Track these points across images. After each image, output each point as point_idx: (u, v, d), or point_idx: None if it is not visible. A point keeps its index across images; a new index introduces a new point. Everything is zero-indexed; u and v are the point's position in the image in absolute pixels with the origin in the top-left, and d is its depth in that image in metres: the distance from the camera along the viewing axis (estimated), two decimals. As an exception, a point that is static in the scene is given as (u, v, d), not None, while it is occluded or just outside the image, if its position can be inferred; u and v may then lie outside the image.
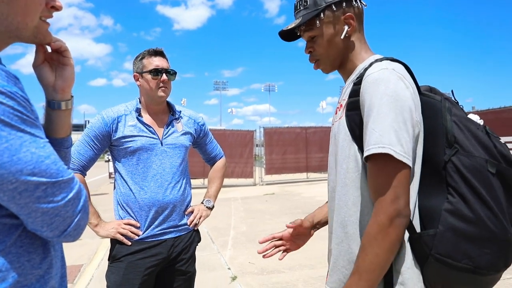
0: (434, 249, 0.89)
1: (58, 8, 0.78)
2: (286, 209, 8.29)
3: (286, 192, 11.41)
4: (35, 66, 0.84)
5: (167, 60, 1.86)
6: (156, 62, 1.80)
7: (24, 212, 0.65)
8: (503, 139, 1.02)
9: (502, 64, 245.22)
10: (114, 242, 1.75)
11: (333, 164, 1.10)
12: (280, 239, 1.40)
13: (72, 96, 0.88)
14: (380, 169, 0.91)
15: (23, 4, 0.70)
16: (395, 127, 0.89)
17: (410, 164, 0.90)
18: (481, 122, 1.02)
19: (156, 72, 1.78)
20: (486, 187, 0.90)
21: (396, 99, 0.91)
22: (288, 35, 1.20)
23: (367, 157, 0.92)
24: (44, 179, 0.64)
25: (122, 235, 1.72)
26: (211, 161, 2.18)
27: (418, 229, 0.94)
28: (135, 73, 1.84)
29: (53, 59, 0.86)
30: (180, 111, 1.94)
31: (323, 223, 1.37)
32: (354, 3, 1.09)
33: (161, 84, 1.79)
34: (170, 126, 1.86)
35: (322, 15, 1.08)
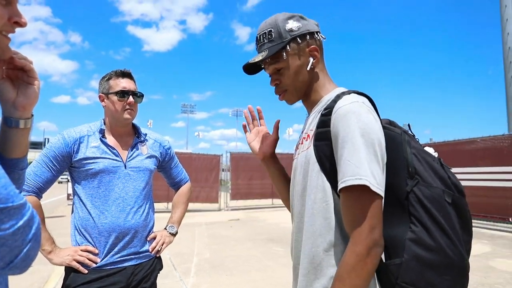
0: (400, 278, 0.91)
1: (22, 25, 0.75)
2: (251, 235, 8.21)
3: (251, 218, 11.32)
4: None
5: (134, 82, 1.83)
6: (123, 83, 1.77)
7: None
8: (457, 170, 1.09)
9: (459, 97, 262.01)
10: (69, 270, 1.65)
11: (298, 194, 1.11)
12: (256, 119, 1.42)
13: (32, 115, 0.84)
14: (355, 200, 0.92)
15: None
16: (368, 160, 0.92)
17: (383, 195, 0.93)
18: (435, 154, 1.08)
19: (123, 94, 1.75)
20: (444, 216, 0.95)
21: (367, 131, 0.95)
22: (251, 68, 1.22)
23: (341, 188, 0.94)
24: None
25: (79, 262, 1.62)
26: (176, 185, 2.14)
27: (383, 259, 0.96)
28: (101, 94, 1.80)
29: (16, 76, 0.81)
30: (146, 134, 1.91)
31: (274, 169, 1.41)
32: (316, 35, 1.14)
33: (127, 106, 1.76)
34: (134, 149, 1.82)
35: (288, 47, 1.11)
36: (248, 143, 1.40)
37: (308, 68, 1.12)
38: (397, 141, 1.02)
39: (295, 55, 1.12)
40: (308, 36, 1.12)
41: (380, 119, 1.06)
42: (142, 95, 1.84)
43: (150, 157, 1.87)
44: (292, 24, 1.11)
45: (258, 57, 1.13)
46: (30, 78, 0.82)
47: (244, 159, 14.17)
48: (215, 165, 13.84)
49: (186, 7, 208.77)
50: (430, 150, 1.09)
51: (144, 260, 1.77)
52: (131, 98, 1.76)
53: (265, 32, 1.13)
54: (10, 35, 0.75)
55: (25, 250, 0.65)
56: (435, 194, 0.96)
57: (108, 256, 1.67)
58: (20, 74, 0.82)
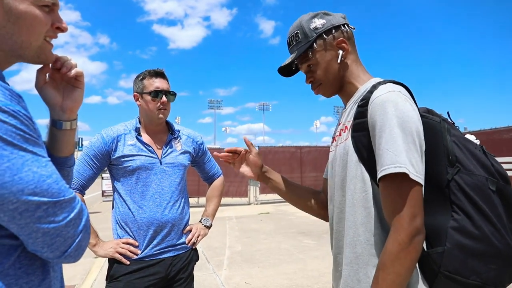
0: (443, 267, 0.91)
1: (63, 30, 0.79)
2: (281, 228, 8.23)
3: (281, 212, 11.34)
4: (38, 87, 0.83)
5: (167, 81, 1.87)
6: (157, 83, 1.81)
7: (25, 232, 0.64)
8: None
9: (492, 86, 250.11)
10: (112, 261, 1.74)
11: (338, 185, 1.12)
12: (235, 152, 1.40)
13: (77, 116, 0.89)
14: (396, 188, 0.92)
15: (29, 24, 0.71)
16: (406, 148, 0.92)
17: (423, 183, 0.92)
18: (477, 142, 1.05)
19: (156, 93, 1.79)
20: (488, 204, 0.93)
21: (405, 120, 0.94)
22: (288, 71, 1.26)
23: (381, 177, 0.93)
24: (45, 199, 0.64)
25: (121, 254, 1.70)
26: (209, 179, 2.19)
27: (424, 247, 0.95)
28: (135, 93, 1.85)
29: (61, 79, 0.85)
30: (179, 131, 1.96)
31: (273, 181, 1.42)
32: (343, 28, 1.15)
33: (161, 106, 1.80)
34: (169, 146, 1.87)
35: (314, 45, 1.14)
36: (240, 172, 1.41)
37: (338, 61, 1.13)
38: (436, 129, 1.00)
39: (322, 50, 1.14)
40: (333, 30, 1.14)
41: (418, 108, 1.04)
42: (175, 94, 1.88)
43: (184, 153, 1.91)
44: (317, 22, 1.14)
45: (288, 60, 1.18)
46: (78, 82, 0.86)
47: (272, 153, 14.17)
48: (244, 159, 13.89)
49: (209, 3, 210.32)
50: (471, 137, 1.06)
51: (181, 252, 1.83)
52: (164, 98, 1.81)
53: (293, 35, 1.18)
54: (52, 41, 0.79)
55: (77, 240, 0.70)
56: (478, 182, 0.94)
57: (148, 249, 1.74)
58: (66, 77, 0.85)
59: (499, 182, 0.96)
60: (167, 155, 1.85)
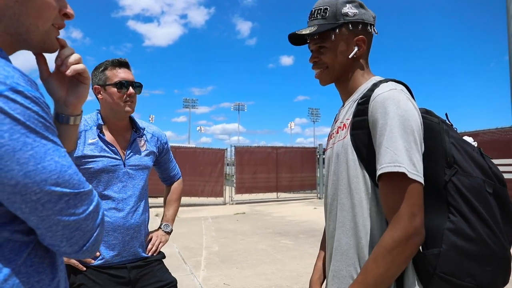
0: (438, 268, 0.90)
1: (70, 16, 0.77)
2: (257, 228, 8.22)
3: (257, 212, 11.33)
4: (43, 78, 0.80)
5: (131, 71, 1.74)
6: (122, 74, 1.67)
7: (45, 225, 0.61)
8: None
9: (460, 90, 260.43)
10: (69, 269, 1.62)
11: (334, 184, 1.11)
12: None
13: (81, 111, 0.86)
14: (394, 187, 0.92)
15: (38, 5, 0.68)
16: (407, 147, 0.92)
17: (423, 182, 0.92)
18: (475, 144, 1.07)
19: (122, 84, 1.65)
20: (485, 206, 0.93)
21: (407, 119, 0.94)
22: (297, 39, 1.20)
23: (380, 175, 0.93)
24: (67, 190, 0.61)
25: (78, 260, 1.60)
26: (169, 180, 2.07)
27: (420, 248, 0.95)
28: (96, 86, 1.68)
29: (63, 73, 0.81)
30: (144, 128, 1.82)
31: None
32: (369, 28, 1.13)
33: (127, 98, 1.67)
34: (133, 146, 1.74)
35: (337, 30, 1.11)
36: None
37: (350, 56, 1.12)
38: (435, 130, 1.01)
39: (342, 40, 1.12)
40: (360, 26, 1.12)
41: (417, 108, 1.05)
42: (141, 86, 1.74)
43: (148, 153, 1.80)
44: (349, 9, 1.11)
45: (306, 30, 1.12)
46: (83, 77, 0.83)
47: (248, 153, 14.16)
48: (220, 159, 13.82)
49: (187, 1, 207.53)
50: (469, 139, 1.08)
51: (144, 256, 1.76)
52: (131, 89, 1.67)
53: (321, 8, 1.13)
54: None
55: (95, 234, 0.68)
56: (475, 184, 0.95)
57: (108, 256, 1.64)
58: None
59: (496, 184, 0.98)
60: (131, 156, 1.71)
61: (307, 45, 1.22)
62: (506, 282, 0.96)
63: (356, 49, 1.12)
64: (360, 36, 1.12)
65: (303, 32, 1.12)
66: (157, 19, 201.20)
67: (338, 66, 1.14)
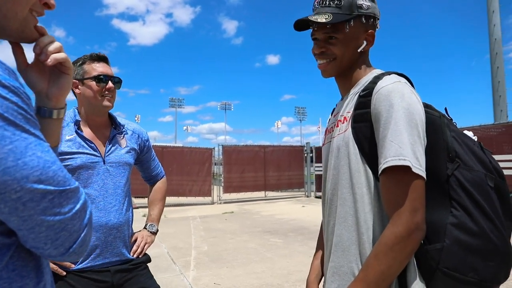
0: (441, 263, 0.89)
1: (51, 6, 0.72)
2: (246, 227, 8.20)
3: (245, 211, 11.31)
4: (21, 70, 0.74)
5: (110, 67, 1.70)
6: (100, 68, 1.63)
7: (27, 226, 0.55)
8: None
9: (443, 88, 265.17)
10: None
11: (334, 177, 1.09)
12: None
13: (65, 105, 0.80)
14: (397, 181, 0.91)
15: None
16: (411, 141, 0.90)
17: (425, 177, 0.91)
18: (475, 138, 1.07)
19: (101, 78, 1.60)
20: (487, 200, 0.93)
21: (411, 112, 0.93)
22: (301, 25, 1.14)
23: (383, 169, 0.92)
24: (51, 187, 0.56)
25: (57, 264, 1.52)
26: (152, 180, 2.01)
27: (422, 243, 0.94)
28: (74, 80, 1.61)
29: (43, 62, 0.75)
30: (124, 125, 1.77)
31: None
32: (376, 23, 1.12)
33: (106, 92, 1.62)
34: (112, 142, 1.69)
35: (351, 22, 1.08)
36: None
37: (359, 50, 1.10)
38: (436, 124, 1.00)
39: (354, 32, 1.09)
40: (372, 20, 1.10)
41: None
42: (121, 81, 1.70)
43: (129, 150, 1.75)
44: (364, 2, 1.08)
45: (322, 19, 1.06)
46: (64, 67, 0.77)
47: (236, 152, 14.12)
48: (207, 158, 13.75)
49: (172, 0, 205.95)
50: (469, 133, 1.07)
51: (129, 258, 1.70)
52: (110, 84, 1.63)
53: None
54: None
55: (82, 235, 0.63)
56: (477, 178, 0.94)
57: (89, 258, 1.58)
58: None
59: (497, 178, 0.97)
60: (111, 152, 1.66)
61: (305, 32, 1.17)
62: (507, 276, 0.96)
63: (365, 43, 1.10)
64: (371, 31, 1.10)
65: (319, 20, 1.05)
66: (142, 18, 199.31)
67: (346, 59, 1.11)
